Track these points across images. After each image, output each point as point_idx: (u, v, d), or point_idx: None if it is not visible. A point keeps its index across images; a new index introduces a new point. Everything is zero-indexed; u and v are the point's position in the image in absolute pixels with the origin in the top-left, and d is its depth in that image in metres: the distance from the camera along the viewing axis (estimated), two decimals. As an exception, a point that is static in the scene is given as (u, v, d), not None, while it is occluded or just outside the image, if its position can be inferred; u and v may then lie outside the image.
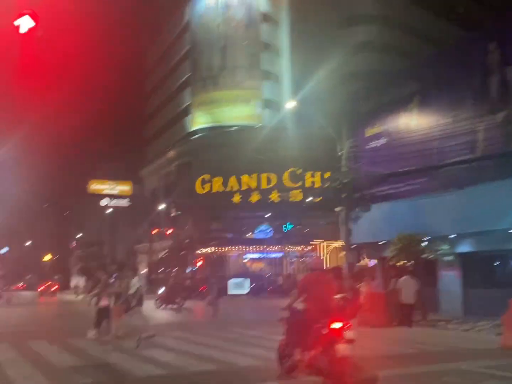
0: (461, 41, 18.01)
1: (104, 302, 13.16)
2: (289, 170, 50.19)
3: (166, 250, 56.22)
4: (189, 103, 60.69)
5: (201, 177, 52.76)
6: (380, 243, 20.51)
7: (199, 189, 52.63)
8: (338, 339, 7.50)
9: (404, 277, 17.25)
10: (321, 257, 46.84)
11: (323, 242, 48.91)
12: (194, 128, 59.31)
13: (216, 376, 8.81)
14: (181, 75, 63.19)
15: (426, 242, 17.69)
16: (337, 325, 7.50)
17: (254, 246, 48.25)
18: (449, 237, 17.73)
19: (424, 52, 24.43)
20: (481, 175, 16.45)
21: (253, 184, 50.96)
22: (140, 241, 61.82)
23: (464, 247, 17.76)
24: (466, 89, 17.25)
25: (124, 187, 67.38)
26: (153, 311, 23.11)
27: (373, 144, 20.75)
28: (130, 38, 76.87)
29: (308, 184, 50.25)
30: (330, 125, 21.48)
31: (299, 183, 49.93)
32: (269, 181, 50.62)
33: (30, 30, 9.24)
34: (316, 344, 7.66)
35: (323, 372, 7.63)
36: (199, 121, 58.83)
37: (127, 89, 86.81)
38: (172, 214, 52.01)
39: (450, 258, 17.40)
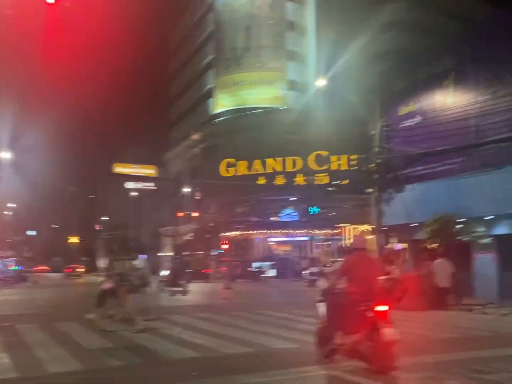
0: (500, 13, 17.02)
1: (106, 284, 12.71)
2: (314, 153, 49.52)
3: (192, 233, 56.24)
4: (212, 85, 60.13)
5: (226, 160, 52.41)
6: (413, 225, 19.86)
7: (223, 172, 52.37)
8: (383, 322, 7.03)
9: (438, 260, 16.66)
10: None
11: (349, 225, 48.43)
12: (217, 110, 58.80)
13: (253, 359, 8.40)
14: (205, 57, 62.57)
15: (462, 224, 16.99)
16: (382, 307, 7.02)
17: (279, 230, 47.86)
18: (486, 218, 17.00)
19: (455, 29, 23.31)
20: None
21: (278, 168, 50.44)
22: (165, 224, 61.90)
23: (501, 229, 17.04)
24: (506, 64, 16.40)
25: (148, 171, 67.34)
26: (161, 293, 22.45)
27: (407, 123, 20.03)
28: (154, 19, 76.25)
29: (334, 167, 49.51)
30: (361, 104, 20.75)
31: (325, 166, 49.19)
32: (294, 164, 50.07)
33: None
34: (360, 328, 7.19)
35: (367, 356, 7.18)
36: (222, 103, 58.28)
37: (151, 71, 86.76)
38: (197, 197, 51.82)
39: (486, 240, 16.70)
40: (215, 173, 51.19)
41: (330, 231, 46.27)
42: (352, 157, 47.78)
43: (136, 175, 64.60)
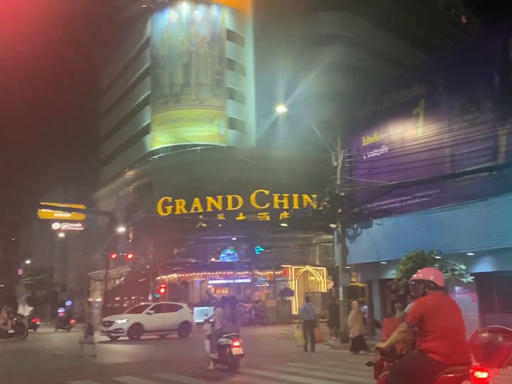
0: (477, 36, 16.28)
1: None
2: (256, 191, 47.96)
3: (122, 277, 52.73)
4: (148, 122, 57.97)
5: (163, 198, 49.80)
6: (383, 263, 18.35)
7: (160, 211, 49.68)
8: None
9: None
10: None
11: (292, 266, 46.86)
12: (154, 147, 56.48)
13: None
14: (140, 93, 60.48)
15: (439, 262, 15.59)
16: (482, 374, 4.94)
17: (220, 272, 45.42)
18: (467, 254, 15.71)
19: (422, 56, 22.68)
20: (503, 185, 14.59)
21: (219, 206, 48.35)
22: (95, 267, 57.92)
23: (482, 267, 15.78)
24: (483, 89, 15.55)
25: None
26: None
27: (372, 153, 18.77)
28: (86, 55, 73.76)
29: (276, 205, 48.20)
30: (319, 138, 19.36)
31: (267, 205, 47.71)
32: (235, 202, 48.14)
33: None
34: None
35: None
36: (159, 140, 56.07)
37: (81, 108, 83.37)
38: (131, 239, 48.68)
39: (467, 278, 15.37)
40: (152, 212, 48.39)
41: (274, 272, 44.42)
42: (304, 196, 47.00)
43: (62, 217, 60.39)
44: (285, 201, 48.77)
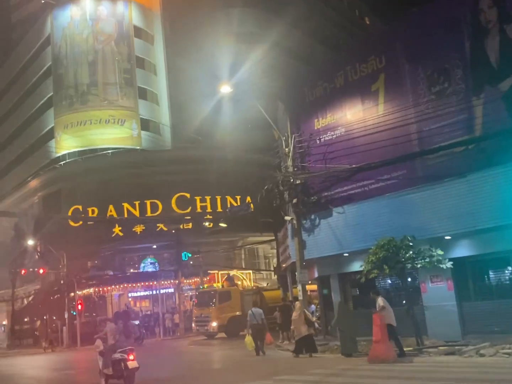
0: (442, 0, 15.07)
1: None
2: (176, 195, 45.30)
3: (31, 296, 47.99)
4: (52, 125, 53.51)
5: (73, 207, 45.75)
6: (346, 254, 16.72)
7: (71, 221, 45.59)
8: None
9: (380, 296, 13.62)
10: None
11: (219, 271, 44.69)
12: (60, 153, 52.04)
13: None
14: (42, 95, 55.78)
15: (412, 249, 14.18)
16: None
17: (142, 283, 42.15)
18: (445, 238, 14.39)
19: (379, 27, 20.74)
20: (481, 159, 13.45)
21: (137, 213, 45.07)
22: (-2, 287, 52.34)
23: (460, 251, 14.54)
24: (452, 58, 14.36)
25: (-26, 227, 56.96)
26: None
27: (328, 136, 17.12)
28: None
29: (198, 209, 45.85)
30: (270, 121, 17.51)
31: (189, 209, 45.20)
32: (155, 208, 45.11)
33: None
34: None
35: None
36: (66, 145, 51.71)
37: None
38: (40, 252, 44.25)
39: (447, 264, 14.05)
40: (63, 223, 44.29)
41: (199, 279, 41.95)
42: (228, 197, 45.06)
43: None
44: (207, 204, 46.53)
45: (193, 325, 32.45)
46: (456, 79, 14.26)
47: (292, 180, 16.74)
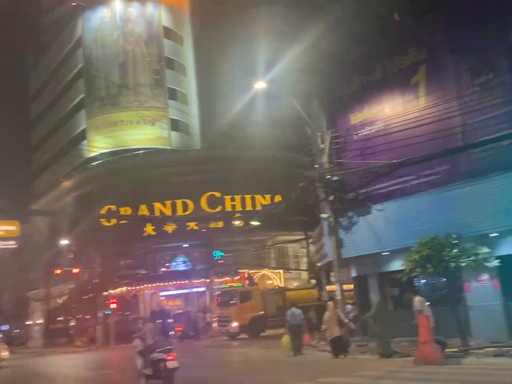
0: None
1: None
2: (207, 194, 45.22)
3: (65, 296, 48.58)
4: (84, 127, 54.06)
5: (106, 207, 46.03)
6: (385, 254, 16.25)
7: (104, 221, 45.93)
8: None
9: (418, 296, 13.18)
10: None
11: (249, 270, 44.43)
12: (92, 154, 52.52)
13: None
14: (74, 97, 56.42)
15: (458, 247, 13.63)
16: None
17: (172, 282, 42.23)
18: (491, 235, 13.83)
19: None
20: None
21: (168, 212, 45.09)
22: (33, 287, 53.15)
23: (509, 248, 13.91)
24: (497, 48, 13.78)
25: (9, 227, 57.77)
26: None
27: (365, 132, 16.68)
28: (13, 62, 68.83)
29: (228, 208, 45.71)
30: (305, 116, 17.14)
31: (219, 208, 45.07)
32: (185, 207, 45.10)
33: None
34: None
35: None
36: (98, 146, 52.12)
37: (9, 117, 77.91)
38: (74, 252, 44.74)
39: (493, 263, 13.49)
40: (96, 223, 44.58)
41: (230, 278, 41.81)
42: (257, 196, 44.95)
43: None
44: (237, 203, 46.35)
45: (214, 325, 32.14)
46: (501, 69, 13.70)
47: (328, 176, 16.32)
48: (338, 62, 17.03)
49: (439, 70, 15.08)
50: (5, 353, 25.27)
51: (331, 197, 16.52)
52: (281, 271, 47.26)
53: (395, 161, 15.00)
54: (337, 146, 17.01)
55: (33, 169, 66.51)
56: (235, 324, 28.51)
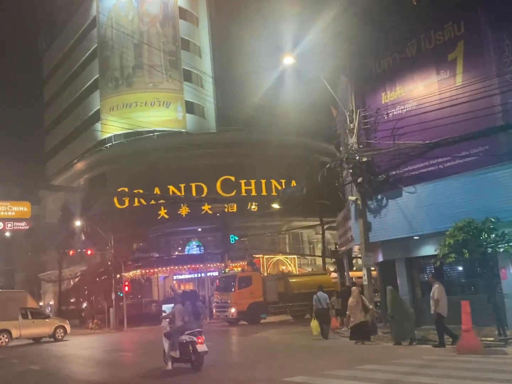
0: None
1: None
2: (221, 178, 44.68)
3: (77, 277, 48.35)
4: (98, 108, 53.55)
5: (119, 189, 45.62)
6: (415, 238, 15.61)
7: (117, 203, 45.63)
8: None
9: (438, 283, 12.88)
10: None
11: (264, 255, 43.89)
12: (106, 135, 52.06)
13: None
14: (88, 78, 55.89)
15: (496, 231, 12.97)
16: None
17: (186, 265, 41.75)
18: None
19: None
20: None
21: (182, 195, 44.61)
22: (44, 268, 53.08)
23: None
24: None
25: (21, 208, 57.66)
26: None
27: (396, 111, 15.96)
28: (26, 42, 68.27)
29: (243, 192, 45.20)
30: (334, 94, 16.44)
31: (233, 192, 44.52)
32: (200, 191, 44.59)
33: None
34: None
35: None
36: (111, 127, 51.58)
37: (21, 97, 77.74)
38: (86, 234, 44.43)
39: (535, 249, 12.81)
40: (109, 204, 44.30)
41: (244, 263, 41.18)
42: (273, 181, 44.46)
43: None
44: (252, 188, 45.84)
45: (213, 311, 31.50)
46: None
47: (357, 157, 15.65)
48: (368, 38, 16.25)
49: (479, 46, 14.30)
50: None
51: (359, 179, 15.86)
52: (296, 256, 46.76)
53: (429, 142, 14.28)
54: (366, 126, 16.28)
55: (46, 151, 66.26)
56: (233, 310, 27.76)
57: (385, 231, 15.81)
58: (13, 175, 62.23)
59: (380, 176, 15.65)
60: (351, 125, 16.21)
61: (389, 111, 16.05)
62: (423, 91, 15.35)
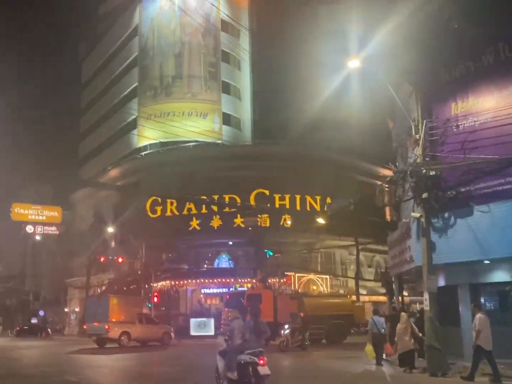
0: None
1: None
2: (255, 191, 43.67)
3: (105, 285, 47.71)
4: (135, 116, 53.29)
5: (152, 198, 44.98)
6: (486, 261, 14.28)
7: (149, 212, 44.97)
8: None
9: (481, 313, 12.30)
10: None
11: (295, 273, 42.62)
12: (141, 144, 51.82)
13: None
14: (127, 86, 55.85)
15: None
16: None
17: (216, 279, 40.60)
18: None
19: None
20: None
21: (214, 207, 43.74)
22: (72, 274, 52.61)
23: None
24: None
25: (52, 213, 57.55)
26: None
27: (468, 123, 14.77)
28: (67, 48, 68.96)
29: (276, 206, 44.07)
30: (399, 103, 15.33)
31: (267, 206, 43.42)
32: (233, 203, 43.60)
33: None
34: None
35: None
36: (148, 136, 51.24)
37: (59, 103, 78.41)
38: (117, 241, 43.89)
39: None
40: (141, 213, 43.61)
41: (277, 280, 39.89)
42: (307, 197, 43.34)
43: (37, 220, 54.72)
44: (286, 202, 44.67)
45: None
46: None
47: (424, 171, 14.46)
48: (439, 44, 15.15)
49: None
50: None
51: (424, 194, 14.64)
52: (328, 277, 45.33)
53: (508, 157, 13.04)
54: (433, 138, 15.11)
55: (81, 157, 66.37)
56: None
57: (451, 253, 14.53)
58: (49, 178, 62.44)
59: (449, 192, 14.39)
60: (417, 136, 15.04)
61: (460, 123, 14.84)
62: (500, 102, 14.13)
